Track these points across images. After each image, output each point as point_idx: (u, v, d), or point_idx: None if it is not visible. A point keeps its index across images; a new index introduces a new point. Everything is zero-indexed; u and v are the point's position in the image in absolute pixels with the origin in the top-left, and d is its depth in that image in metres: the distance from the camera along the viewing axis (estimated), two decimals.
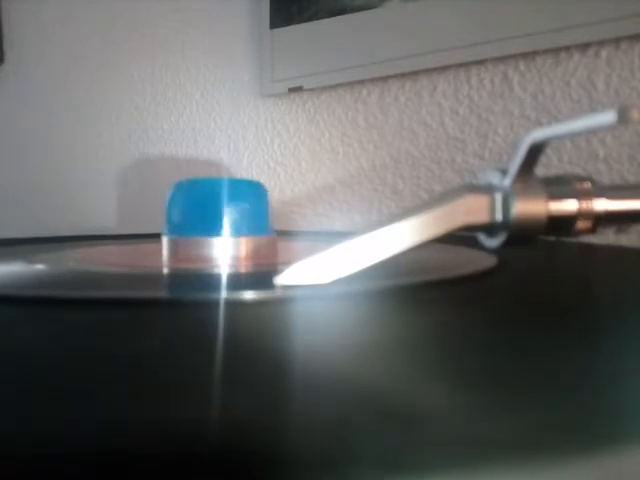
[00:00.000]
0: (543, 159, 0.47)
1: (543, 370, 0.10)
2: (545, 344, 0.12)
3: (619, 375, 0.10)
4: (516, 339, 0.13)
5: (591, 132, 0.40)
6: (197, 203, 0.26)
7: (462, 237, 0.18)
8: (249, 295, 0.17)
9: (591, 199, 0.16)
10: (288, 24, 0.59)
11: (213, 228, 0.25)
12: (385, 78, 0.55)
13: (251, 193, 0.27)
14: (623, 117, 0.11)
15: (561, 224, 0.16)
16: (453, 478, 0.06)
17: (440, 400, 0.09)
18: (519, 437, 0.07)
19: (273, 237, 0.27)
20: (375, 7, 0.53)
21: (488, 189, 0.16)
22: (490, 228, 0.16)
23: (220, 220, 0.25)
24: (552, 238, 0.17)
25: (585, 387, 0.09)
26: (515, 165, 0.15)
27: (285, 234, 0.37)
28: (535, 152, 0.15)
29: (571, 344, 0.12)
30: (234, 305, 0.16)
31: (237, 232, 0.25)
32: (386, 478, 0.06)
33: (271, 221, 0.28)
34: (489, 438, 0.07)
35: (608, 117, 0.11)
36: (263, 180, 0.35)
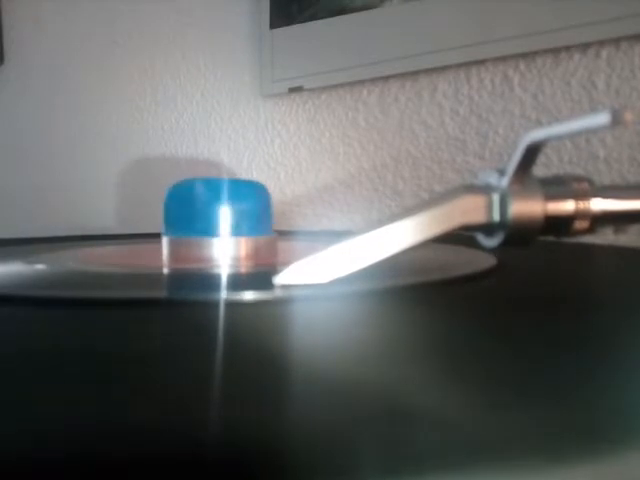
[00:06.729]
0: (543, 159, 0.47)
1: (543, 370, 0.10)
2: (545, 344, 0.12)
3: (620, 376, 0.10)
4: (516, 339, 0.13)
5: (587, 133, 0.40)
6: (197, 203, 0.26)
7: (461, 237, 0.18)
8: (249, 295, 0.17)
9: (588, 199, 0.16)
10: (288, 24, 0.59)
11: (213, 228, 0.25)
12: (385, 78, 0.55)
13: (251, 193, 0.27)
14: (617, 119, 0.11)
15: (558, 224, 0.16)
16: (453, 478, 0.06)
17: (440, 400, 0.09)
18: (519, 438, 0.07)
19: (273, 237, 0.27)
20: (375, 7, 0.53)
21: (485, 189, 0.16)
22: (488, 228, 0.16)
23: (220, 220, 0.25)
24: (551, 238, 0.17)
25: (586, 388, 0.09)
26: (512, 165, 0.15)
27: (285, 234, 0.37)
28: (532, 152, 0.15)
29: (571, 344, 0.12)
30: (234, 305, 0.16)
31: (237, 232, 0.25)
32: (387, 478, 0.06)
33: (272, 221, 0.28)
34: (490, 439, 0.07)
35: (602, 118, 0.11)
36: (263, 180, 0.35)
